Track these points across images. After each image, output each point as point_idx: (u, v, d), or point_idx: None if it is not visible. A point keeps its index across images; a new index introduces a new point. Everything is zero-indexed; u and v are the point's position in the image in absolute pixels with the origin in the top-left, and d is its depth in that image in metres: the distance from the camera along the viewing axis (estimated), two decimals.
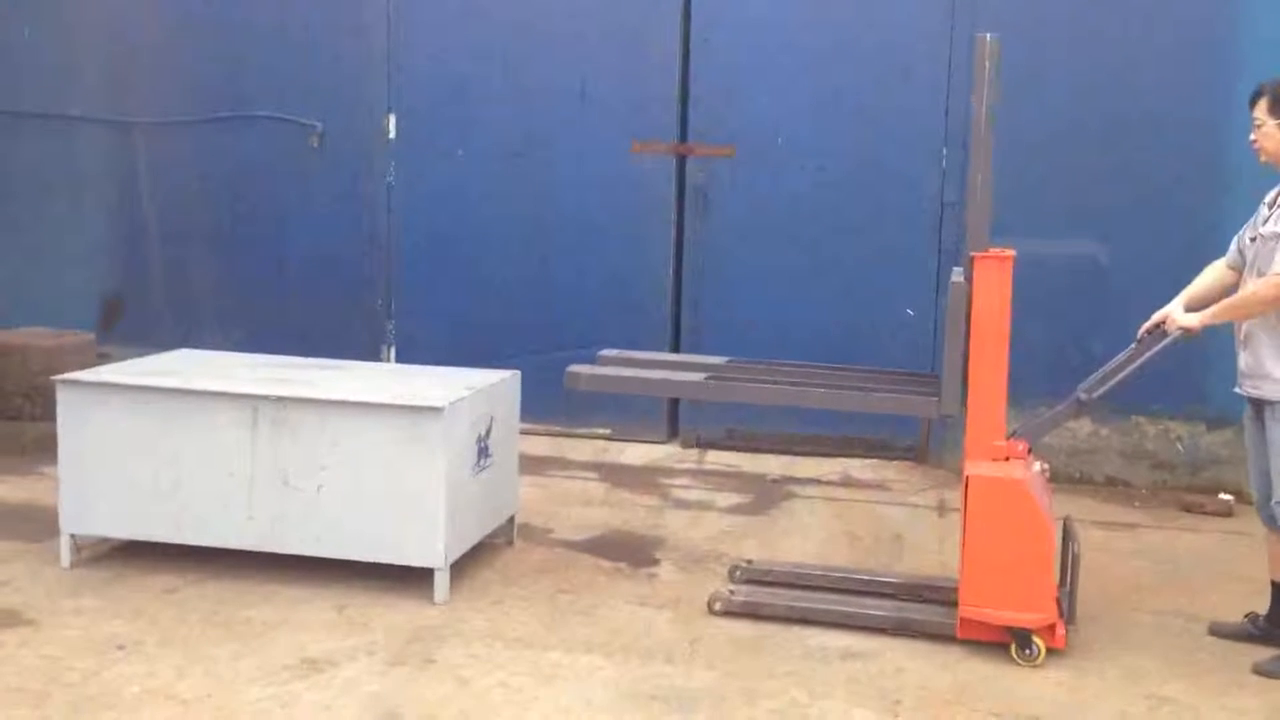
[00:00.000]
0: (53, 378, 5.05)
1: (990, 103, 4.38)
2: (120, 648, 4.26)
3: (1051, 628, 4.34)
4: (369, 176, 7.46)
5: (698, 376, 4.82)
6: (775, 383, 4.77)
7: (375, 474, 4.69)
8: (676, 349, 7.11)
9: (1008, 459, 4.38)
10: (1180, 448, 6.68)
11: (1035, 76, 6.66)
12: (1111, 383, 4.53)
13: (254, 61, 7.52)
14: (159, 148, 7.68)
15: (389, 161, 7.42)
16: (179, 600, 4.69)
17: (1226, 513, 6.29)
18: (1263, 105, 4.30)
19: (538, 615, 4.66)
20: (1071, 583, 4.41)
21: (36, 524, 5.36)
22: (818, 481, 6.69)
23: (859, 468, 6.84)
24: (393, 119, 7.39)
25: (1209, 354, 6.61)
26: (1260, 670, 4.33)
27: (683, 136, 7.15)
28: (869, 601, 4.72)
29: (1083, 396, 4.55)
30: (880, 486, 6.60)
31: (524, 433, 5.57)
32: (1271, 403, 4.31)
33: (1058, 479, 6.74)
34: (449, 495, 4.66)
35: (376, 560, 4.77)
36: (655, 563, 5.27)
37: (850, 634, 4.56)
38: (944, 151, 6.79)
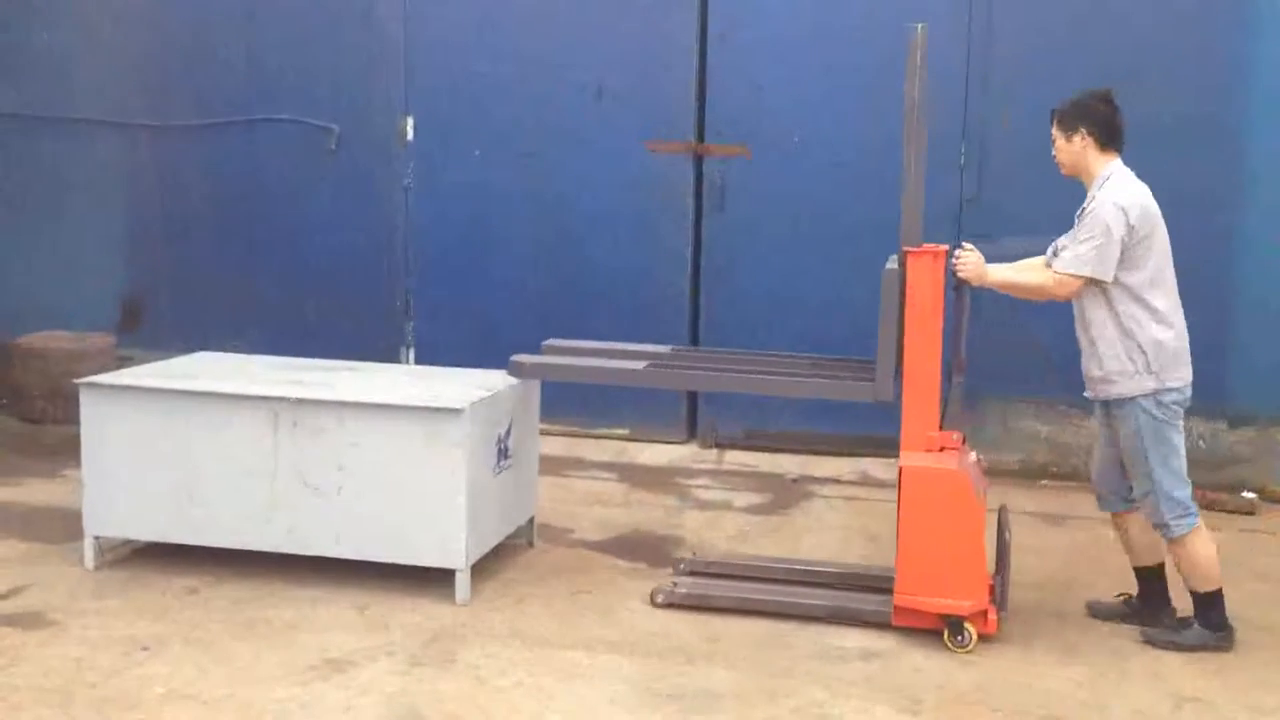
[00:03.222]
0: (75, 381, 5.08)
1: (920, 94, 4.48)
2: (143, 648, 4.29)
3: (984, 614, 4.41)
4: (386, 178, 7.48)
5: (639, 364, 4.87)
6: (713, 370, 4.84)
7: (395, 475, 4.70)
8: (695, 346, 7.11)
9: (942, 449, 4.47)
10: (1201, 445, 6.64)
11: (1052, 74, 6.63)
12: (961, 345, 4.62)
13: (271, 65, 7.55)
14: (177, 151, 7.72)
15: (406, 163, 7.44)
16: (201, 601, 4.71)
17: (1249, 510, 6.26)
18: (1055, 124, 4.60)
19: (558, 615, 4.67)
20: (1003, 570, 4.47)
21: (60, 526, 5.40)
22: (836, 481, 6.68)
23: (877, 466, 6.82)
24: (410, 121, 7.41)
25: (1230, 351, 6.60)
26: (1150, 640, 4.53)
27: (699, 135, 7.15)
28: (809, 591, 4.80)
29: (957, 359, 4.64)
30: (896, 485, 6.57)
31: (542, 433, 5.57)
32: (1116, 400, 4.47)
33: (1077, 477, 6.73)
34: (469, 496, 4.67)
35: (397, 561, 4.79)
36: (674, 563, 5.27)
37: (869, 633, 4.55)
38: (962, 147, 6.78)
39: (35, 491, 6.10)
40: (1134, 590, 4.80)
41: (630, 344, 5.29)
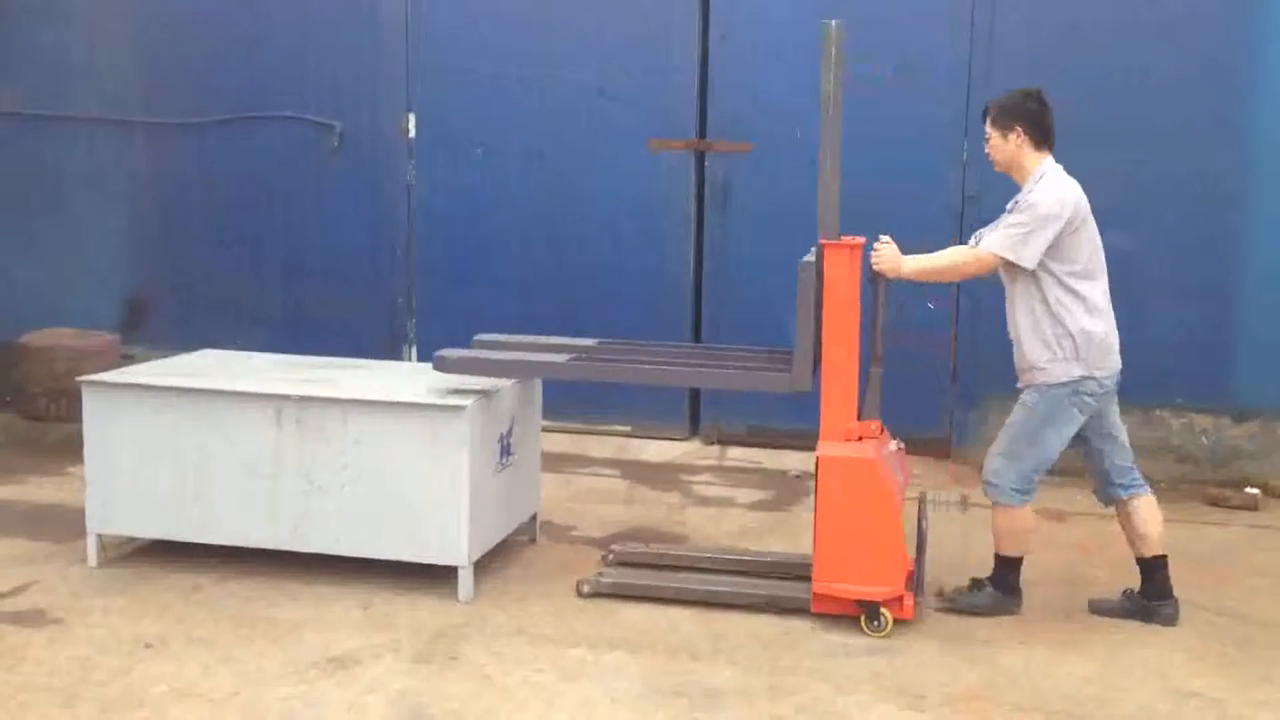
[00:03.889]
0: (78, 379, 5.09)
1: (835, 88, 4.55)
2: (147, 646, 4.29)
3: (900, 600, 4.48)
4: (389, 176, 7.48)
5: (562, 358, 4.91)
6: (636, 362, 4.91)
7: (398, 473, 4.70)
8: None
9: (860, 439, 4.54)
10: (1205, 441, 6.64)
11: (1059, 70, 6.62)
12: (878, 336, 4.69)
13: (274, 62, 7.55)
14: (180, 149, 7.72)
15: (409, 161, 7.44)
16: (205, 599, 4.72)
17: (1252, 506, 6.25)
18: (988, 121, 4.67)
19: (561, 612, 4.67)
20: (920, 557, 4.56)
21: (63, 524, 5.41)
22: None
23: None
24: (412, 118, 7.40)
25: (1234, 346, 6.60)
26: (945, 601, 4.72)
27: (701, 133, 7.14)
28: (733, 580, 4.86)
29: (874, 350, 4.71)
30: None
31: (545, 430, 5.58)
32: (1040, 385, 4.58)
33: (1081, 473, 6.71)
34: (472, 494, 4.67)
35: (400, 559, 4.79)
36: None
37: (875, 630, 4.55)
38: (965, 144, 6.77)
39: (39, 489, 6.11)
40: (1138, 584, 4.82)
41: (559, 338, 5.37)
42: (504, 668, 4.19)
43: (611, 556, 5.13)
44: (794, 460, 6.90)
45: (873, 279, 4.64)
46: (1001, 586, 4.73)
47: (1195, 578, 5.21)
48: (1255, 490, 6.38)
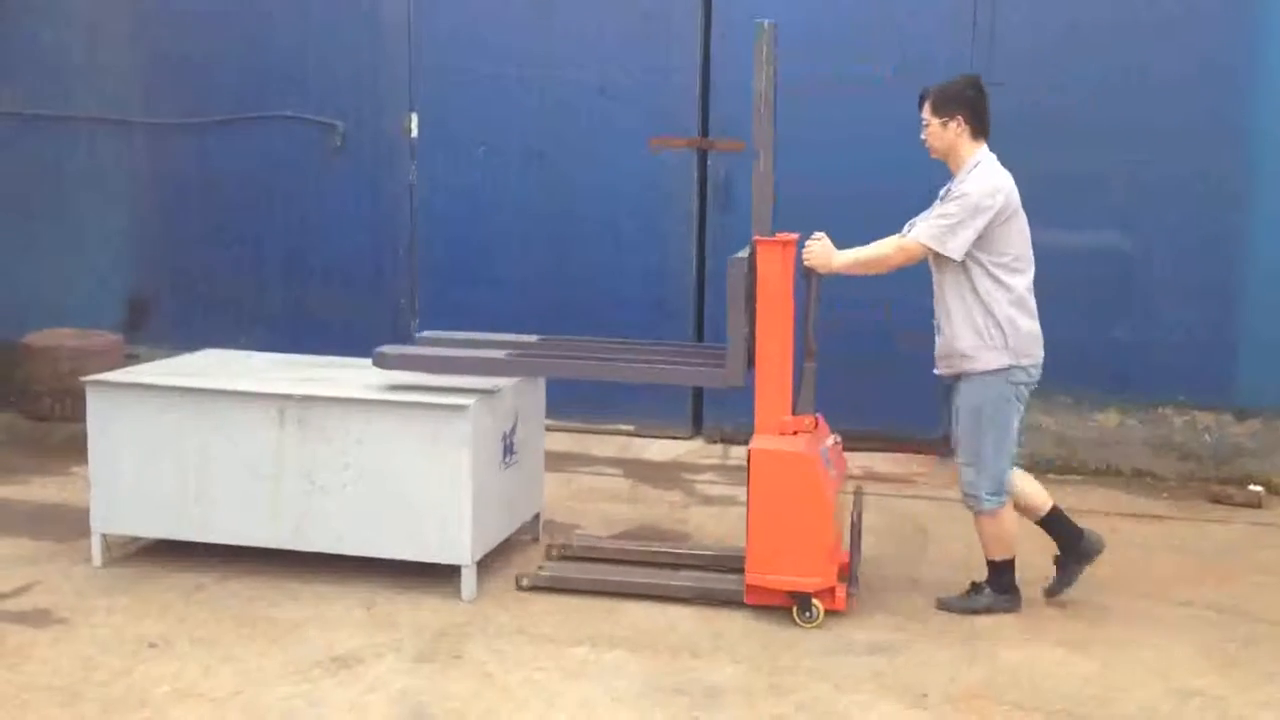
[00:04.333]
0: (82, 379, 5.09)
1: (767, 87, 4.58)
2: (151, 646, 4.30)
3: (831, 591, 4.55)
4: (391, 175, 7.49)
5: (501, 354, 4.95)
6: (573, 358, 4.96)
7: (401, 472, 4.71)
8: (700, 343, 7.12)
9: (795, 433, 4.58)
10: (1208, 438, 6.64)
11: (1060, 70, 6.63)
12: (811, 330, 4.74)
13: (276, 62, 7.55)
14: (183, 149, 7.73)
15: (411, 160, 7.45)
16: (208, 599, 4.72)
17: (1256, 504, 6.25)
18: (927, 107, 4.63)
19: (563, 611, 4.67)
20: (853, 549, 4.64)
21: (67, 524, 5.41)
22: (850, 477, 6.66)
23: (883, 461, 6.82)
24: (415, 118, 7.41)
25: (1236, 344, 6.59)
26: (945, 605, 4.73)
27: (703, 131, 7.14)
28: (672, 573, 4.91)
29: (807, 345, 4.75)
30: (904, 480, 6.58)
31: (547, 429, 5.58)
32: (967, 374, 4.60)
33: (1084, 471, 6.74)
34: (475, 493, 4.67)
35: (403, 558, 4.80)
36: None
37: (876, 627, 4.56)
38: None
39: (43, 489, 6.12)
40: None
41: (503, 335, 5.42)
42: (506, 667, 4.19)
43: (554, 551, 5.16)
44: None
45: (805, 274, 4.69)
46: (998, 588, 4.74)
47: (1198, 576, 5.21)
48: (1258, 488, 6.37)
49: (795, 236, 4.67)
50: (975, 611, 4.70)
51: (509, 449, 5.00)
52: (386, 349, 4.95)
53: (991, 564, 4.74)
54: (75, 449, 5.48)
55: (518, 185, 7.29)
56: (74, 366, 6.81)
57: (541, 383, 5.35)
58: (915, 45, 6.75)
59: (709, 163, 7.15)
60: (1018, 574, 4.77)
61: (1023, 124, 6.65)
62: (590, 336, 5.61)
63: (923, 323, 7.05)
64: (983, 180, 4.52)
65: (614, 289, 7.16)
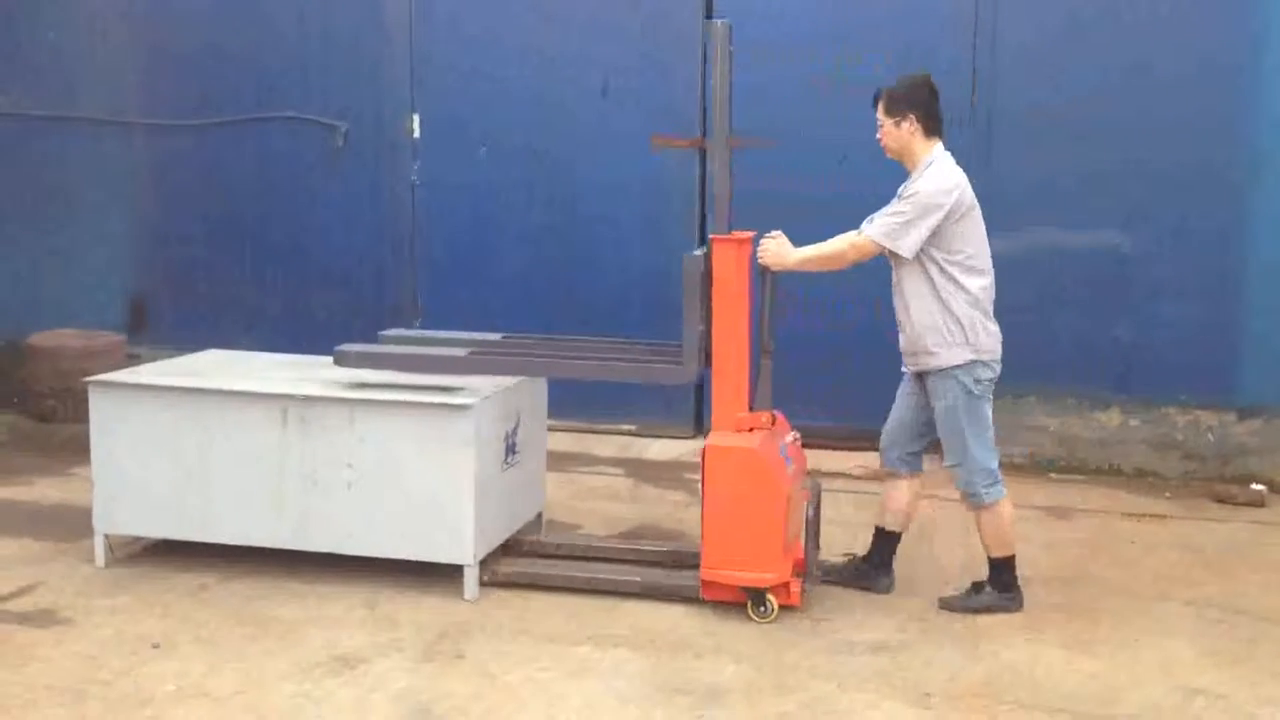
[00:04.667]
0: (85, 380, 5.09)
1: (723, 86, 4.62)
2: (154, 646, 4.30)
3: (786, 586, 4.57)
4: (394, 176, 7.49)
5: (460, 352, 4.98)
6: (529, 356, 5.00)
7: (404, 472, 4.71)
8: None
9: (751, 430, 4.60)
10: (1210, 438, 6.64)
11: (1059, 68, 6.63)
12: (767, 327, 4.76)
13: (278, 62, 7.56)
14: (185, 150, 7.73)
15: (413, 161, 7.45)
16: (211, 598, 4.73)
17: (1259, 503, 6.24)
18: (880, 108, 4.66)
19: (565, 610, 4.67)
20: (808, 544, 4.66)
21: (70, 524, 5.42)
22: (845, 475, 6.67)
23: None
24: (416, 118, 7.41)
25: (1239, 343, 6.59)
26: (948, 605, 4.73)
27: (705, 131, 7.13)
28: (627, 568, 4.94)
29: (764, 343, 4.77)
30: None
31: (550, 429, 5.59)
32: (932, 371, 4.63)
33: (1085, 470, 6.73)
34: (477, 492, 4.68)
35: (405, 558, 4.80)
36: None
37: (879, 626, 4.56)
38: (970, 139, 6.76)
39: (45, 490, 6.13)
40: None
41: (466, 333, 5.45)
42: (508, 666, 4.19)
43: (524, 546, 5.18)
44: None
45: (760, 273, 4.72)
46: (1000, 587, 4.75)
47: (1202, 574, 5.21)
48: (1261, 487, 6.37)
49: (751, 234, 4.72)
50: (977, 610, 4.70)
51: (511, 449, 5.00)
52: (347, 347, 4.99)
53: (992, 562, 4.75)
54: (78, 449, 5.49)
55: (519, 185, 7.30)
56: (76, 367, 6.81)
57: (543, 383, 5.35)
58: (917, 44, 6.75)
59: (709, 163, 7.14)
60: (1020, 573, 4.77)
61: (1023, 122, 6.67)
62: (557, 335, 5.62)
63: None
64: (936, 179, 4.55)
65: (616, 288, 7.16)
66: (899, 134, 4.63)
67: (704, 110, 7.12)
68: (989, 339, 4.64)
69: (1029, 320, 6.77)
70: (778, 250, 4.70)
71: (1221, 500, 6.29)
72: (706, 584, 4.63)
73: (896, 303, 4.71)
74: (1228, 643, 4.49)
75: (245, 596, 4.73)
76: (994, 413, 6.75)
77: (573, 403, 6.62)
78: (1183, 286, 6.61)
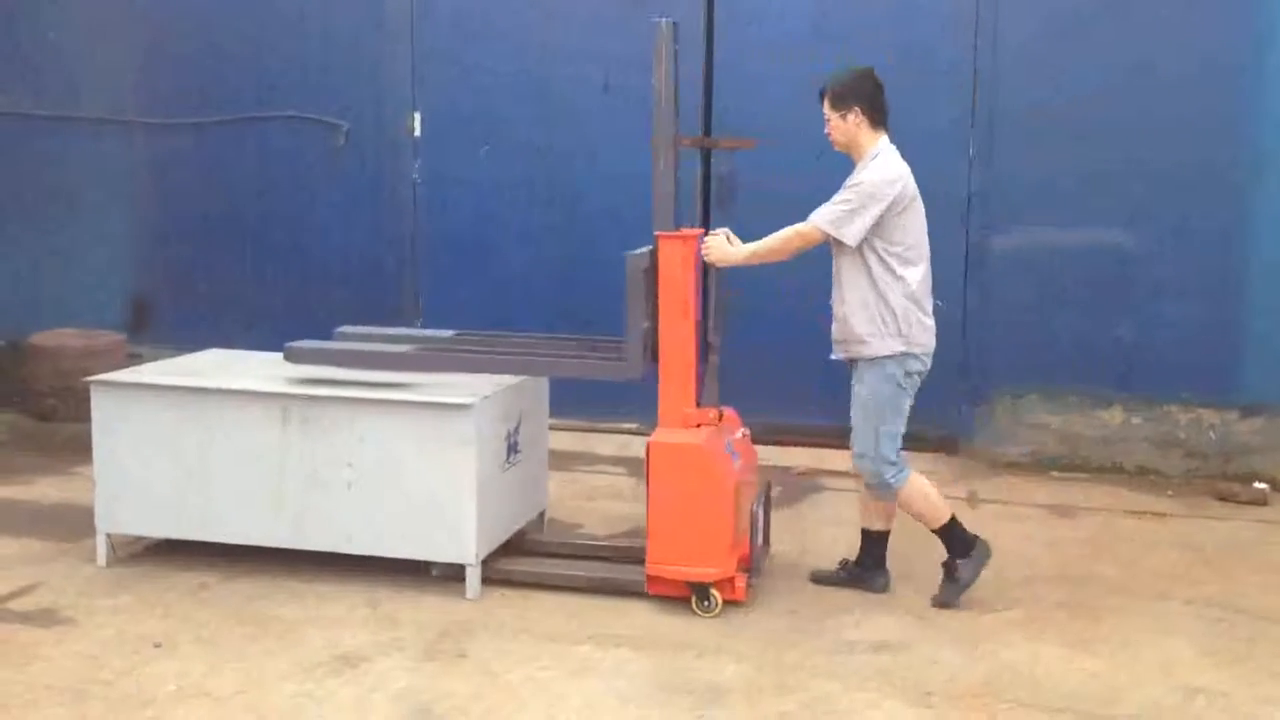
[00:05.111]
0: (86, 379, 5.10)
1: (666, 85, 4.66)
2: (155, 645, 4.31)
3: (730, 581, 4.59)
4: (395, 174, 7.49)
5: (407, 349, 5.02)
6: (474, 353, 5.04)
7: (405, 471, 4.71)
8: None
9: (699, 426, 4.64)
10: (1212, 436, 6.63)
11: (1060, 69, 6.62)
12: (717, 323, 4.85)
13: (279, 61, 7.56)
14: (186, 149, 7.74)
15: (415, 159, 7.45)
16: (212, 598, 4.73)
17: (1261, 501, 6.24)
18: (826, 103, 4.71)
19: (567, 610, 4.67)
20: (753, 540, 4.70)
21: (71, 523, 5.42)
22: (848, 474, 6.64)
23: None
24: (418, 116, 7.41)
25: (1241, 341, 6.58)
26: (942, 602, 4.73)
27: (706, 129, 7.13)
28: (576, 563, 4.96)
29: (711, 340, 4.86)
30: None
31: (551, 428, 5.58)
32: (863, 359, 4.67)
33: (1088, 468, 6.73)
34: (479, 492, 4.68)
35: (407, 557, 4.80)
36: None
37: (881, 625, 4.56)
38: (970, 139, 6.76)
39: (47, 489, 6.13)
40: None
41: (421, 330, 5.49)
42: (510, 665, 4.19)
43: (527, 546, 5.19)
44: (803, 457, 6.91)
45: (705, 271, 4.75)
46: (961, 550, 4.76)
47: (1203, 573, 5.21)
48: (1264, 485, 6.37)
49: (698, 232, 4.77)
50: (969, 586, 4.72)
51: (513, 448, 5.00)
52: (296, 344, 5.04)
53: (940, 533, 4.77)
54: (79, 449, 5.49)
55: (521, 183, 7.30)
56: (77, 366, 6.82)
57: (545, 382, 5.35)
58: (918, 42, 6.75)
59: (711, 159, 7.14)
60: (1021, 571, 4.77)
61: (1025, 122, 6.67)
62: (508, 332, 5.63)
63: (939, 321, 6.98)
64: (881, 169, 4.60)
65: (618, 287, 7.12)
66: (846, 127, 4.68)
67: (706, 107, 7.11)
68: (922, 332, 4.66)
69: (1031, 319, 6.79)
70: (720, 247, 4.75)
71: (1224, 499, 6.29)
72: (652, 579, 4.67)
73: (835, 291, 4.76)
74: (1228, 642, 4.49)
75: (246, 596, 4.74)
76: (995, 410, 6.82)
77: (574, 402, 6.61)
78: (1185, 285, 6.60)
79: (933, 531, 4.79)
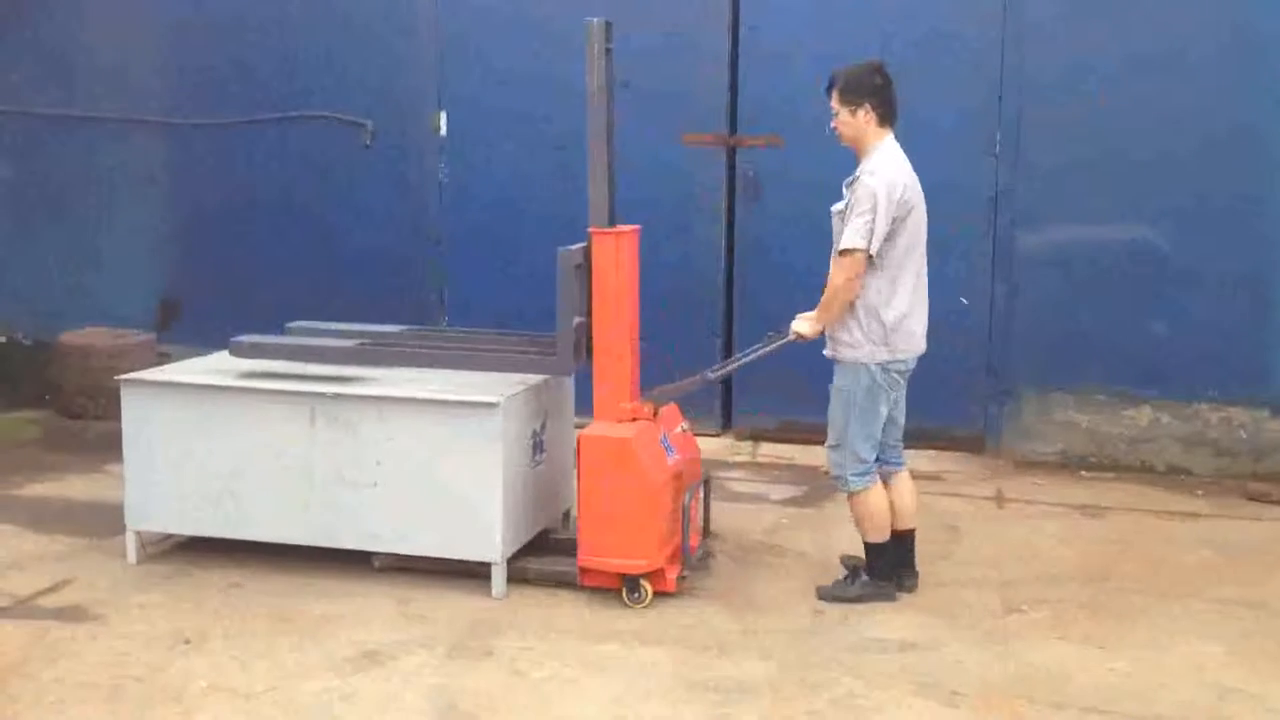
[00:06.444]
0: (117, 378, 5.14)
1: (599, 82, 4.65)
2: (185, 642, 4.34)
3: (661, 572, 4.64)
4: (420, 173, 7.51)
5: (351, 343, 5.05)
6: (414, 349, 5.08)
7: (431, 470, 4.72)
8: (729, 340, 7.10)
9: (634, 420, 4.68)
10: (1243, 434, 6.57)
11: (1085, 68, 6.57)
12: (731, 367, 5.08)
13: (305, 61, 7.59)
14: (213, 148, 7.78)
15: (440, 158, 7.47)
16: (241, 595, 4.76)
17: None
18: (835, 96, 4.62)
19: (593, 607, 4.67)
20: (683, 533, 4.70)
21: (101, 521, 5.46)
22: None
23: (915, 458, 6.72)
24: (443, 116, 7.43)
25: (1272, 339, 6.52)
26: (822, 594, 4.76)
27: (731, 127, 7.12)
28: (522, 556, 4.91)
29: (709, 375, 4.98)
30: (936, 477, 6.54)
31: (576, 426, 5.58)
32: (844, 361, 4.65)
33: (1116, 468, 6.68)
34: (505, 490, 4.69)
35: (434, 555, 4.81)
36: (709, 554, 5.26)
37: (907, 624, 4.54)
38: (997, 137, 6.73)
39: (77, 487, 6.18)
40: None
41: (371, 325, 5.52)
42: (536, 662, 4.20)
43: (553, 544, 5.18)
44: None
45: (782, 333, 4.74)
46: (876, 574, 4.75)
47: (1234, 572, 5.16)
48: None
49: (634, 229, 4.78)
50: (850, 600, 4.71)
51: (539, 446, 5.01)
52: (242, 339, 5.12)
53: (867, 548, 4.77)
54: (109, 447, 5.53)
55: (546, 182, 7.29)
56: (106, 365, 6.88)
57: (569, 381, 5.35)
58: (943, 26, 6.71)
59: (737, 157, 7.13)
60: (1049, 570, 4.74)
61: (1052, 116, 6.62)
62: (463, 329, 5.74)
63: (956, 320, 7.04)
64: (878, 170, 4.52)
65: (643, 284, 7.12)
66: (854, 123, 4.61)
67: (731, 105, 7.10)
68: (909, 340, 4.63)
69: (1059, 317, 6.74)
70: (803, 325, 4.65)
71: (1254, 498, 6.23)
72: (584, 570, 4.70)
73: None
74: (1260, 642, 4.45)
75: (275, 593, 4.76)
76: (1022, 408, 6.78)
77: None
78: (1216, 283, 6.54)
79: (864, 543, 4.78)
